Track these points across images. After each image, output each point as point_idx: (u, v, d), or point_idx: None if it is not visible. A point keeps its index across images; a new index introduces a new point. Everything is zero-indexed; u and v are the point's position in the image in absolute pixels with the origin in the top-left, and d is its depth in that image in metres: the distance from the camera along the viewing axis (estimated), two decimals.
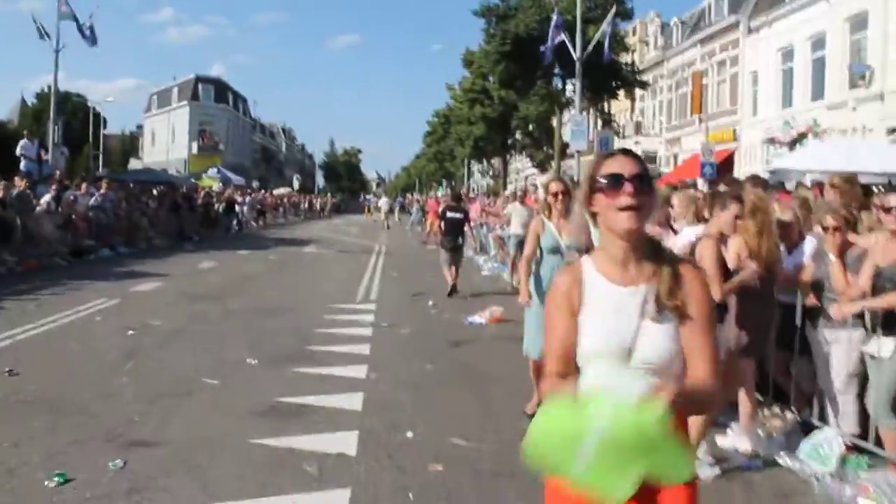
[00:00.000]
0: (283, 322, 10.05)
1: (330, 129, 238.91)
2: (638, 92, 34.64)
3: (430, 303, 12.13)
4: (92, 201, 20.29)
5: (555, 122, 39.83)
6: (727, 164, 33.27)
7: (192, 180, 39.19)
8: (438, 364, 7.91)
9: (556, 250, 6.15)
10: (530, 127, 37.57)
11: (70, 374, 7.08)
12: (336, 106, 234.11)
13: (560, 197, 6.13)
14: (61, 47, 21.04)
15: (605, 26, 19.65)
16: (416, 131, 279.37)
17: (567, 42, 19.43)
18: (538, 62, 24.60)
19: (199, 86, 72.88)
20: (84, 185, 20.09)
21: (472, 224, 19.91)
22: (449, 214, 14.41)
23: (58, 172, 20.49)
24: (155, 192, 26.51)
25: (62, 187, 20.13)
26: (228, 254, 21.06)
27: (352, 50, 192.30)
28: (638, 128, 43.30)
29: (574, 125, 19.43)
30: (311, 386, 6.82)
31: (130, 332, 9.09)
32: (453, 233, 14.06)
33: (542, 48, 20.00)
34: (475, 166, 56.07)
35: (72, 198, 18.57)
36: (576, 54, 19.60)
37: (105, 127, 74.28)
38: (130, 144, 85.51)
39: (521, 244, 15.61)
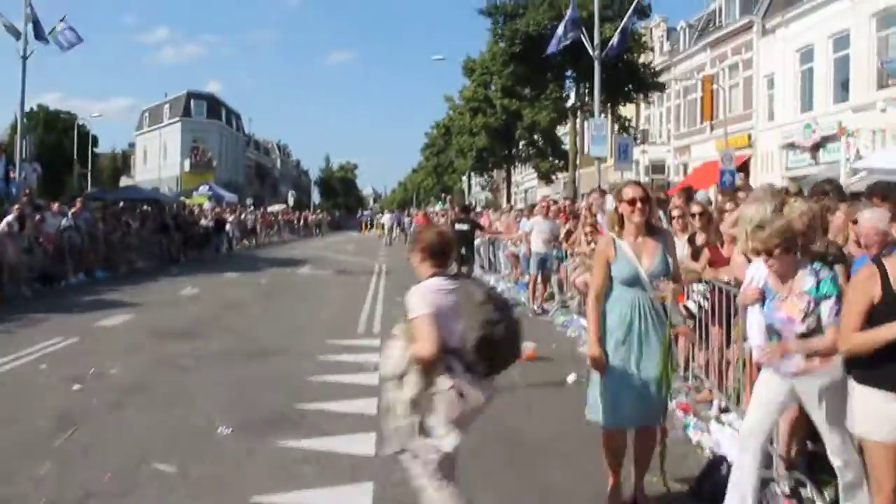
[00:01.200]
0: (268, 368, 8.23)
1: (325, 146, 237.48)
2: (646, 101, 32.78)
3: None
4: (64, 222, 18.46)
5: (561, 130, 38.28)
6: (741, 171, 31.43)
7: (181, 198, 37.35)
8: None
9: (634, 282, 4.35)
10: (535, 136, 35.82)
11: None
12: (331, 122, 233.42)
13: (640, 206, 4.37)
14: (29, 54, 19.22)
15: (627, 20, 17.93)
16: (412, 146, 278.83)
17: (584, 38, 17.70)
18: (549, 64, 22.90)
19: (191, 101, 71.14)
20: (55, 205, 18.24)
21: (484, 234, 18.58)
22: (457, 226, 14.52)
23: (27, 191, 18.69)
24: (139, 211, 24.67)
25: (34, 207, 18.36)
26: (215, 278, 19.25)
27: (346, 66, 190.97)
28: (644, 136, 41.61)
29: (594, 130, 17.68)
30: (298, 470, 5.01)
31: (76, 386, 7.27)
32: (461, 243, 13.82)
33: (553, 44, 18.25)
34: (475, 179, 54.32)
35: (38, 218, 16.71)
36: (594, 51, 17.85)
37: (96, 145, 72.66)
38: (123, 163, 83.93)
39: (543, 263, 13.90)
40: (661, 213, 9.12)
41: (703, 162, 37.17)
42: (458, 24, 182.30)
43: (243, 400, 6.85)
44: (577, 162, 25.49)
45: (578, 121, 25.81)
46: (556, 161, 36.69)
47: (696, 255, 7.35)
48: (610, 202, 12.58)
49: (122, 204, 24.52)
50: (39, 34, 19.36)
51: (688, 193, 9.75)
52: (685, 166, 39.88)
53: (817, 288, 3.82)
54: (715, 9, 37.64)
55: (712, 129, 37.22)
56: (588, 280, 16.54)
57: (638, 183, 4.78)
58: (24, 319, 11.56)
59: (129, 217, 23.33)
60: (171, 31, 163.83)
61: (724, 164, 27.62)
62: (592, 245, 10.14)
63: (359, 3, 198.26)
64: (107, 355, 8.76)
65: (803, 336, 3.88)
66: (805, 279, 3.88)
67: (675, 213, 8.23)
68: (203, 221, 27.55)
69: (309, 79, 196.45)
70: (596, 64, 17.88)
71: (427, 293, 3.60)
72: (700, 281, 6.88)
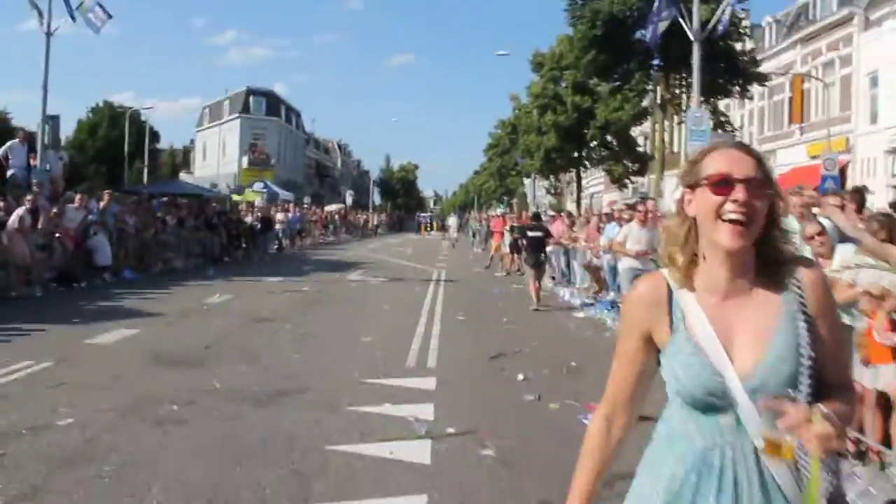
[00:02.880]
0: (279, 424, 5.91)
1: (387, 146, 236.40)
2: (722, 102, 29.33)
3: (521, 377, 7.90)
4: (90, 217, 16.64)
5: (636, 131, 35.45)
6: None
7: (231, 194, 35.67)
8: None
9: (715, 401, 1.82)
10: (608, 137, 33.12)
11: None
12: (393, 123, 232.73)
13: (741, 202, 1.75)
14: (54, 30, 17.45)
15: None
16: (474, 148, 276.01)
17: (681, 19, 15.10)
18: (634, 51, 20.24)
19: (251, 98, 70.07)
20: (78, 197, 16.37)
21: (552, 242, 17.24)
22: (530, 234, 14.85)
23: (50, 182, 16.92)
24: (177, 206, 22.83)
25: (54, 199, 16.58)
26: (253, 282, 17.19)
27: (408, 68, 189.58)
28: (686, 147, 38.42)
29: (692, 122, 15.02)
30: None
31: (1, 453, 5.08)
32: (536, 250, 14.60)
33: (641, 33, 15.64)
34: (539, 182, 51.62)
35: (54, 212, 14.85)
36: (692, 32, 15.19)
37: (158, 141, 72.26)
38: (183, 158, 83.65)
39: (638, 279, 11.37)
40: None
41: (791, 168, 34.00)
42: (524, 22, 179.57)
43: (230, 482, 4.58)
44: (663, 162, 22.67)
45: (666, 117, 22.94)
46: (631, 164, 33.94)
47: None
48: (670, 196, 10.24)
49: (159, 199, 22.71)
50: (73, 16, 17.63)
51: (860, 195, 7.19)
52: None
53: None
54: (808, 1, 34.38)
55: (802, 132, 34.08)
56: (596, 263, 14.05)
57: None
58: (9, 330, 9.55)
59: (167, 213, 21.50)
60: (239, 33, 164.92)
61: (827, 169, 24.61)
62: None
63: (421, 5, 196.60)
64: (72, 393, 6.60)
65: None
66: None
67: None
68: (249, 219, 25.59)
69: (372, 80, 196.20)
70: (695, 46, 15.18)
71: None
72: None
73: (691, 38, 15.18)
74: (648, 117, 36.88)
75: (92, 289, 14.86)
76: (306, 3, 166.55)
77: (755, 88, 27.59)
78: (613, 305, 13.76)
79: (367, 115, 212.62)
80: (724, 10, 14.99)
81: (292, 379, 7.50)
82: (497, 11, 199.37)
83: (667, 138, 23.70)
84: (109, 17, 16.72)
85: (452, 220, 47.67)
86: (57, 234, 14.88)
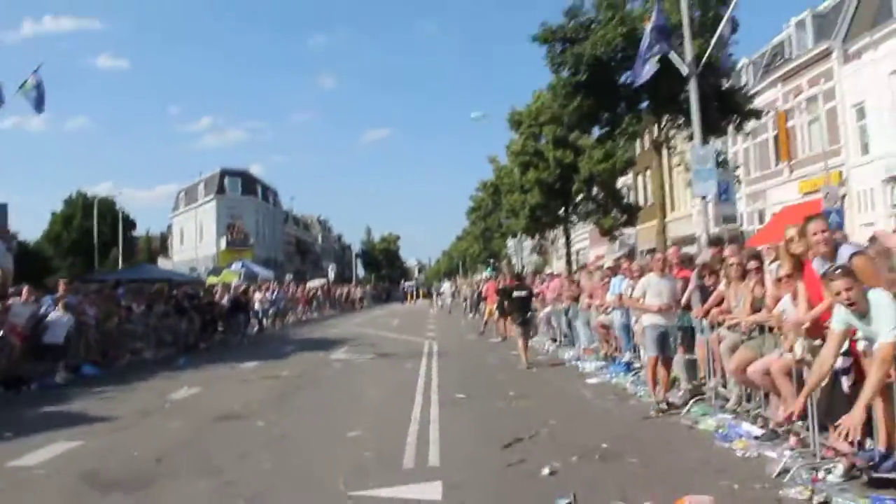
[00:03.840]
0: None
1: (366, 218, 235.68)
2: (676, 158, 28.02)
3: (546, 471, 6.34)
4: (43, 311, 15.05)
5: (621, 182, 34.44)
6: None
7: (203, 276, 34.06)
8: None
9: None
10: (594, 190, 32.01)
11: None
12: (371, 195, 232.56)
13: None
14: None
15: (724, 26, 14.09)
16: (454, 213, 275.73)
17: (672, 54, 13.94)
18: (620, 95, 19.09)
19: (226, 179, 69.08)
20: (25, 291, 14.77)
21: (550, 302, 17.71)
22: (515, 294, 15.41)
23: None
24: (146, 293, 21.24)
25: (5, 293, 15.04)
26: (226, 371, 15.53)
27: (383, 143, 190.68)
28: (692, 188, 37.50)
29: (697, 162, 13.74)
30: None
31: None
32: (522, 309, 15.05)
33: (627, 75, 14.45)
34: (526, 242, 50.35)
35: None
36: (687, 66, 14.03)
37: (134, 229, 70.85)
38: (161, 245, 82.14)
39: (664, 339, 9.93)
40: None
41: (783, 207, 33.02)
42: (497, 87, 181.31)
43: None
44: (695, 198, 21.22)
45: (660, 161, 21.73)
46: (620, 215, 32.76)
47: None
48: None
49: (125, 287, 21.11)
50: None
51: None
52: (761, 213, 35.62)
53: None
54: (783, 40, 33.87)
55: (791, 170, 33.18)
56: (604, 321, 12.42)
57: None
58: None
59: (133, 301, 19.91)
60: (214, 118, 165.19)
61: (828, 203, 23.50)
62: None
63: (393, 80, 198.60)
64: None
65: None
66: None
67: None
68: (225, 301, 23.97)
69: (348, 156, 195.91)
70: (692, 82, 13.98)
71: None
72: None
73: (684, 72, 14.00)
74: (631, 169, 36.20)
75: (43, 389, 13.18)
76: (279, 85, 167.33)
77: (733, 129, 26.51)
78: (629, 368, 12.29)
79: (346, 190, 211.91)
80: (717, 41, 13.87)
81: (261, 498, 5.91)
82: (468, 79, 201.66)
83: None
84: (41, 107, 15.48)
85: (446, 286, 46.98)
86: (1, 333, 13.26)
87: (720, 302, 9.00)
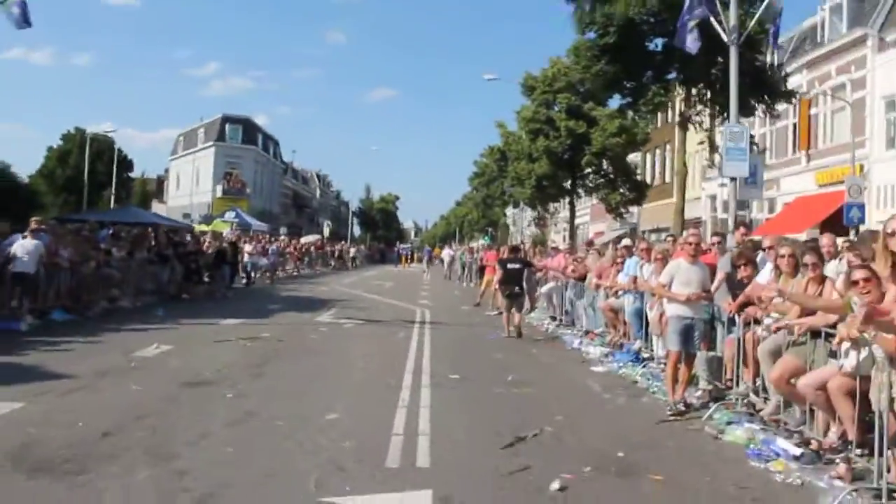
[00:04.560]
0: None
1: (367, 177, 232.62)
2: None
3: (556, 486, 5.32)
4: (13, 249, 13.99)
5: (633, 157, 33.25)
6: None
7: (194, 223, 32.94)
8: None
9: None
10: (604, 164, 30.85)
11: None
12: (373, 154, 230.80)
13: None
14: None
15: None
16: (455, 180, 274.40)
17: (714, 21, 12.75)
18: (648, 62, 17.82)
19: (226, 126, 67.62)
20: None
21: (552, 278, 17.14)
22: (509, 266, 15.19)
23: None
24: (125, 236, 20.16)
25: None
26: (205, 327, 14.51)
27: (389, 103, 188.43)
28: (721, 168, 36.36)
29: (729, 139, 12.64)
30: None
31: None
32: (513, 282, 14.74)
33: (682, 32, 13.12)
34: (527, 212, 49.25)
35: None
36: (728, 35, 12.81)
37: (131, 170, 69.39)
38: (157, 188, 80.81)
39: (688, 332, 8.87)
40: None
41: (796, 197, 31.98)
42: (511, 50, 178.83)
43: None
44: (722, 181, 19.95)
45: (681, 136, 20.44)
46: (628, 192, 31.65)
47: None
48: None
49: (109, 228, 20.01)
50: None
51: None
52: (772, 202, 34.47)
53: None
54: (816, 23, 32.47)
55: (809, 159, 32.04)
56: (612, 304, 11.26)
57: None
58: None
59: (115, 244, 18.84)
60: (222, 65, 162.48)
61: (851, 196, 22.42)
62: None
63: (404, 41, 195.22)
64: None
65: None
66: None
67: None
68: (212, 251, 22.90)
69: (352, 113, 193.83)
70: (732, 52, 12.78)
71: None
72: None
73: (727, 40, 12.79)
74: (642, 146, 34.99)
75: (3, 335, 12.13)
76: (287, 36, 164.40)
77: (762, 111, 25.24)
78: (638, 358, 11.31)
79: (348, 147, 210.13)
80: (767, 8, 12.62)
81: (213, 499, 4.91)
82: (483, 42, 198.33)
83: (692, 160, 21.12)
84: (27, 22, 14.21)
85: (446, 253, 45.84)
86: None
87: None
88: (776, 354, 6.83)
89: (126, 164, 65.31)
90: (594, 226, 54.52)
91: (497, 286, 16.55)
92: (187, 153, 71.89)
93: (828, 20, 31.23)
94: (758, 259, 9.01)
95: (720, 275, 9.14)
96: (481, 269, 25.46)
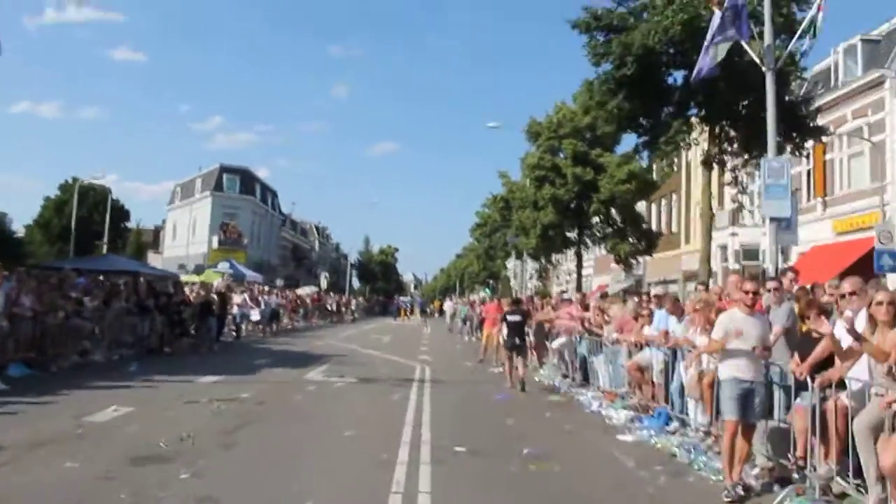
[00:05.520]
0: None
1: (366, 230, 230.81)
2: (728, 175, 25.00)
3: None
4: None
5: (642, 206, 31.95)
6: (869, 257, 24.14)
7: (178, 274, 31.51)
8: None
9: None
10: (612, 212, 29.53)
11: None
12: (373, 206, 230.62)
13: None
14: None
15: (816, 11, 11.45)
16: (455, 232, 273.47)
17: (747, 45, 11.46)
18: (667, 97, 16.55)
19: (224, 176, 66.62)
20: None
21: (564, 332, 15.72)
22: (510, 318, 14.86)
23: None
24: (104, 286, 18.68)
25: None
26: (176, 385, 12.92)
27: (391, 156, 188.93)
28: (734, 217, 35.07)
29: (770, 176, 11.22)
30: None
31: None
32: (515, 334, 14.56)
33: (705, 58, 11.81)
34: (529, 263, 47.79)
35: None
36: (764, 59, 11.48)
37: (128, 220, 68.28)
38: (154, 238, 79.60)
39: (747, 398, 7.18)
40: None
41: (812, 246, 30.56)
42: (513, 103, 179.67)
43: None
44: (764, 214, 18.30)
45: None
46: (638, 242, 30.25)
47: None
48: None
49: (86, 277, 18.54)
50: None
51: None
52: (784, 251, 33.06)
53: None
54: (829, 66, 31.48)
55: (825, 206, 30.76)
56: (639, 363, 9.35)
57: None
58: None
59: (88, 294, 17.36)
60: (225, 119, 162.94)
61: (882, 243, 21.02)
62: None
63: (406, 95, 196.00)
64: None
65: None
66: None
67: None
68: (196, 302, 21.37)
69: (354, 167, 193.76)
70: (768, 77, 11.42)
71: None
72: None
73: (762, 66, 11.46)
74: (653, 192, 33.73)
75: None
76: (291, 91, 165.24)
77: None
78: (668, 423, 9.80)
79: (348, 199, 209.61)
80: (810, 30, 11.30)
81: None
82: (482, 96, 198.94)
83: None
84: None
85: (448, 306, 45.01)
86: None
87: (829, 356, 6.51)
88: (877, 430, 5.31)
89: (123, 214, 64.26)
90: (598, 278, 52.99)
91: (495, 338, 15.70)
92: (184, 203, 70.81)
93: (842, 63, 30.27)
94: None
95: (776, 328, 7.66)
96: (482, 323, 24.04)
